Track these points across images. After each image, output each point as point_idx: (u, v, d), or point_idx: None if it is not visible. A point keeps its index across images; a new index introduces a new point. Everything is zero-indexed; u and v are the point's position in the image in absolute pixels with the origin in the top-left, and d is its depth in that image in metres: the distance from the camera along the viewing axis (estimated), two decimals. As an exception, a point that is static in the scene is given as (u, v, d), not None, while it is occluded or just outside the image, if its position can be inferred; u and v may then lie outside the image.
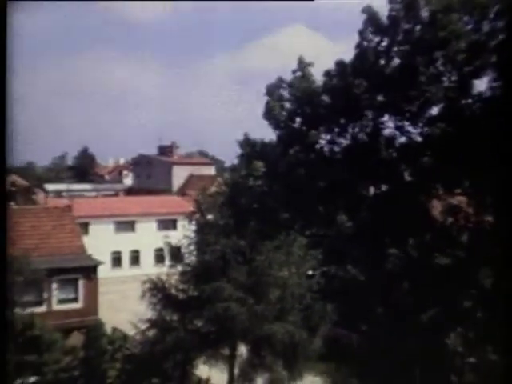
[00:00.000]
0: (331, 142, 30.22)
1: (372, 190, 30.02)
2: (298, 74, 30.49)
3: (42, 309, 28.59)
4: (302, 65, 30.42)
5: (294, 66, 30.65)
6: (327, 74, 29.53)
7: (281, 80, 30.76)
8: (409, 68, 26.45)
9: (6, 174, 3.83)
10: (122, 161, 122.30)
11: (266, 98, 30.59)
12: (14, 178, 69.82)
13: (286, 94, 30.79)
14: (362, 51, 28.26)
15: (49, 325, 25.94)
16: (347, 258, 26.94)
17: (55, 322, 27.25)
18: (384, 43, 27.99)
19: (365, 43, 28.22)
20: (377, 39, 28.03)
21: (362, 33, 28.16)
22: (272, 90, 30.58)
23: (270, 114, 30.12)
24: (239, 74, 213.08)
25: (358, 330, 28.94)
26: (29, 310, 25.45)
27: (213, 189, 31.37)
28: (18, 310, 24.88)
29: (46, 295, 29.53)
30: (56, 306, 30.53)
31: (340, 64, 28.90)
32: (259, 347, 21.78)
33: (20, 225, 32.60)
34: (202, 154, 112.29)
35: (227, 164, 74.71)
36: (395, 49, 27.83)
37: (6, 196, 3.85)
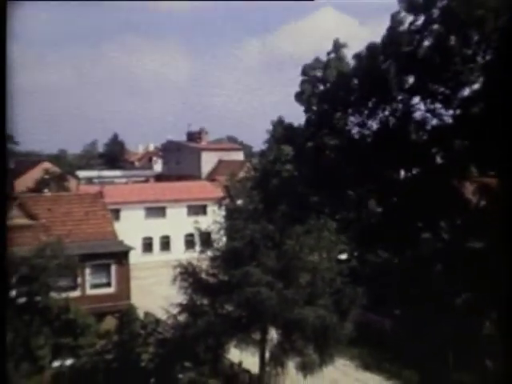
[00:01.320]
0: (361, 125, 29.90)
1: (402, 173, 29.67)
2: (333, 55, 30.15)
3: (77, 293, 29.06)
4: (337, 47, 30.07)
5: (324, 50, 30.39)
6: (357, 56, 29.16)
7: (316, 61, 30.45)
8: (442, 48, 25.89)
9: (6, 173, 3.81)
10: (151, 147, 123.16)
11: (295, 83, 30.42)
12: (47, 165, 70.97)
13: (319, 76, 30.49)
14: (394, 32, 27.77)
15: (83, 309, 26.43)
16: (378, 243, 26.74)
17: (89, 307, 27.72)
18: (417, 22, 27.43)
19: (397, 23, 27.71)
20: (410, 19, 27.46)
21: (395, 13, 27.65)
22: (306, 72, 30.31)
23: (301, 96, 29.90)
24: (270, 59, 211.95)
25: (390, 315, 28.76)
26: (64, 295, 25.96)
27: (242, 174, 31.40)
28: (53, 295, 25.41)
29: (79, 280, 30.00)
30: (89, 291, 31.02)
31: (371, 46, 28.50)
32: (290, 331, 21.82)
33: (54, 211, 33.18)
34: (231, 139, 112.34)
35: (256, 149, 74.69)
36: (429, 28, 27.25)
37: (6, 196, 3.85)
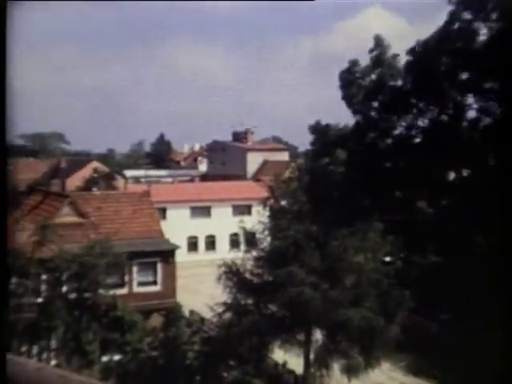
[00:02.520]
0: (409, 126, 29.39)
1: (452, 174, 29.04)
2: (375, 55, 29.71)
3: (124, 291, 29.56)
4: (380, 46, 29.61)
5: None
6: (408, 53, 28.60)
7: (358, 63, 30.12)
8: (498, 44, 25.09)
9: (7, 174, 3.86)
10: (197, 147, 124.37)
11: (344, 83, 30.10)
12: (96, 164, 72.63)
13: (364, 77, 30.12)
14: (447, 29, 27.12)
15: (130, 306, 26.90)
16: (427, 245, 26.26)
17: (136, 304, 28.17)
18: (472, 18, 26.66)
19: (452, 20, 27.04)
20: (466, 14, 26.70)
21: (451, 11, 27.00)
22: (350, 74, 30.00)
23: (348, 99, 29.62)
24: (318, 57, 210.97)
25: (438, 319, 28.22)
26: (112, 292, 26.48)
27: (287, 175, 31.34)
28: (102, 292, 25.97)
29: (127, 278, 30.51)
30: (136, 289, 31.53)
31: (421, 44, 27.95)
32: (335, 333, 21.71)
33: (103, 210, 33.89)
34: (276, 139, 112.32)
35: (301, 150, 74.43)
36: (484, 23, 26.47)
37: (6, 194, 3.91)
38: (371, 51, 29.76)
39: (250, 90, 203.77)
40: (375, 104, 30.06)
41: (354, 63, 30.25)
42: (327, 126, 30.90)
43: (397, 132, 29.59)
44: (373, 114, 29.81)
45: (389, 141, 28.79)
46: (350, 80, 29.85)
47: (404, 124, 29.54)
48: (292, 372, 24.73)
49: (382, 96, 29.47)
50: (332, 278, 21.88)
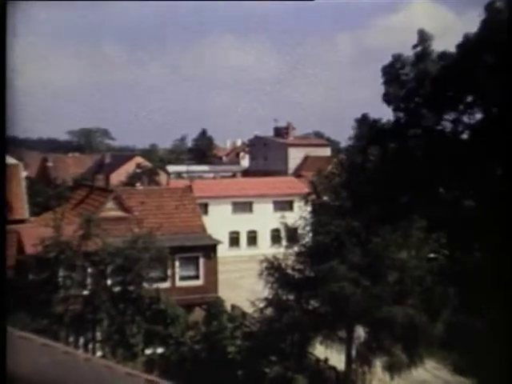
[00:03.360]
0: (455, 122, 28.72)
1: (500, 171, 28.29)
2: (419, 50, 29.13)
3: (167, 285, 29.89)
4: (424, 40, 29.00)
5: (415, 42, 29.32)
6: (458, 47, 27.89)
7: (401, 58, 29.60)
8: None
9: (5, 171, 3.89)
10: (239, 143, 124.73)
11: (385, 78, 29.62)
12: (139, 159, 73.72)
13: (406, 72, 29.58)
14: (491, 22, 26.39)
15: (173, 300, 27.24)
16: (473, 242, 25.71)
17: (178, 298, 28.47)
18: None
19: (495, 14, 26.32)
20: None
21: (491, 3, 26.28)
22: (391, 69, 29.53)
23: (389, 94, 29.16)
24: (359, 54, 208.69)
25: (484, 317, 27.60)
26: (155, 286, 26.87)
27: (328, 170, 31.16)
28: (145, 285, 26.40)
29: (169, 272, 30.86)
30: (179, 283, 31.84)
31: (467, 38, 27.27)
32: (377, 330, 21.51)
33: (146, 205, 34.36)
34: (318, 135, 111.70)
35: (343, 145, 73.83)
36: None
37: (4, 192, 3.95)
38: (416, 46, 29.20)
39: (291, 86, 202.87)
40: (418, 100, 29.52)
41: (397, 58, 29.76)
42: (374, 120, 30.47)
43: (440, 128, 28.99)
44: (415, 109, 29.28)
45: (432, 137, 28.22)
46: (392, 75, 29.37)
47: (448, 120, 28.91)
48: (333, 368, 24.62)
49: (425, 91, 28.91)
50: (374, 274, 21.69)
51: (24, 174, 53.96)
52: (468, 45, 27.31)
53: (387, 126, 30.10)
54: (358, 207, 22.90)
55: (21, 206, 46.25)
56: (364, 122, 30.51)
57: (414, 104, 29.59)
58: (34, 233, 27.26)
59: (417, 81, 29.29)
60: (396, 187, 26.86)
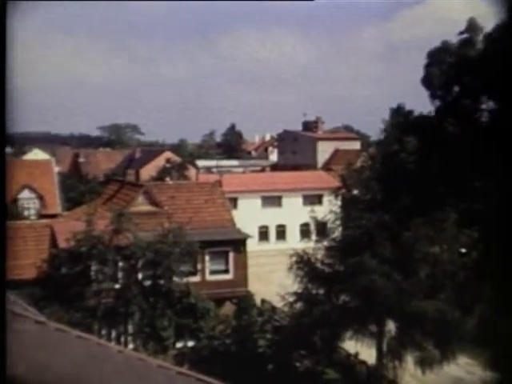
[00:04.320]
0: (494, 112, 28.02)
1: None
2: (464, 37, 28.40)
3: (197, 279, 30.08)
4: (470, 29, 28.24)
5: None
6: (490, 36, 27.20)
7: (444, 45, 28.89)
8: None
9: (5, 172, 3.89)
10: (267, 137, 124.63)
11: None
12: (169, 154, 74.23)
13: (447, 60, 28.87)
14: None
15: (203, 294, 27.40)
16: (508, 239, 25.14)
17: (208, 292, 28.61)
18: None
19: None
20: None
21: None
22: (433, 56, 28.85)
23: (428, 82, 28.50)
24: (387, 46, 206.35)
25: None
26: (185, 280, 27.06)
27: (358, 164, 30.90)
28: (175, 279, 26.61)
29: (199, 266, 31.02)
30: (209, 277, 31.99)
31: (501, 27, 26.56)
32: (408, 324, 21.31)
33: (176, 199, 34.60)
34: (348, 128, 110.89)
35: (373, 138, 73.07)
36: None
37: (5, 194, 3.96)
38: (461, 33, 28.44)
39: (321, 80, 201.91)
40: (457, 88, 28.88)
41: (436, 49, 29.16)
42: (409, 111, 29.91)
43: (478, 117, 28.31)
44: (453, 98, 28.63)
45: (470, 127, 27.60)
46: (431, 63, 28.74)
47: (486, 109, 28.23)
48: (364, 363, 24.49)
49: (465, 80, 28.24)
50: (405, 268, 21.47)
51: (56, 169, 54.93)
52: (501, 34, 26.64)
53: (423, 116, 29.54)
54: (390, 200, 22.66)
55: (53, 201, 47.09)
56: (398, 112, 29.98)
57: (453, 92, 28.94)
58: (66, 227, 27.70)
59: (458, 68, 28.63)
60: (430, 179, 26.42)
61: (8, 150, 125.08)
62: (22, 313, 6.41)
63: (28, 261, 27.58)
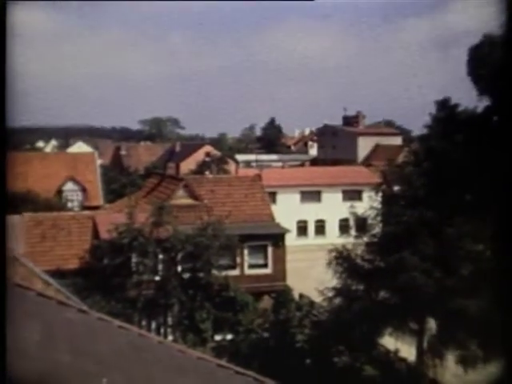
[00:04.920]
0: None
1: None
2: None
3: (235, 272, 30.22)
4: None
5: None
6: None
7: (490, 37, 28.08)
8: None
9: (6, 169, 3.86)
10: (307, 132, 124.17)
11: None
12: (208, 148, 74.71)
13: (495, 53, 28.00)
14: None
15: (241, 287, 27.50)
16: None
17: (247, 286, 28.72)
18: None
19: None
20: None
21: None
22: (480, 49, 28.06)
23: (475, 76, 27.75)
24: (431, 39, 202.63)
25: None
26: (224, 273, 27.21)
27: (400, 159, 30.42)
28: (214, 272, 26.78)
29: (238, 260, 31.15)
30: (247, 271, 32.09)
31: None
32: (450, 322, 20.93)
33: (215, 193, 34.79)
34: (389, 123, 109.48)
35: (415, 133, 71.88)
36: None
37: (5, 191, 3.94)
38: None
39: (362, 74, 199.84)
40: (505, 83, 28.02)
41: (484, 39, 28.31)
42: (455, 104, 29.19)
43: None
44: (502, 93, 27.79)
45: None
46: (479, 56, 27.96)
47: None
48: (404, 360, 24.17)
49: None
50: (447, 266, 21.08)
51: (99, 162, 55.95)
52: None
53: (469, 110, 28.77)
54: (433, 197, 22.24)
55: (96, 193, 48.00)
56: (444, 106, 29.28)
57: (501, 87, 28.06)
58: (108, 219, 28.17)
59: (506, 61, 27.77)
60: (476, 175, 25.79)
61: (53, 143, 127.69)
62: (66, 301, 6.54)
63: (71, 251, 28.19)
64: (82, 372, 4.21)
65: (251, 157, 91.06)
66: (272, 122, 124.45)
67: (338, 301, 23.35)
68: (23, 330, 4.37)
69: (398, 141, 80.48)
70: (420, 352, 21.79)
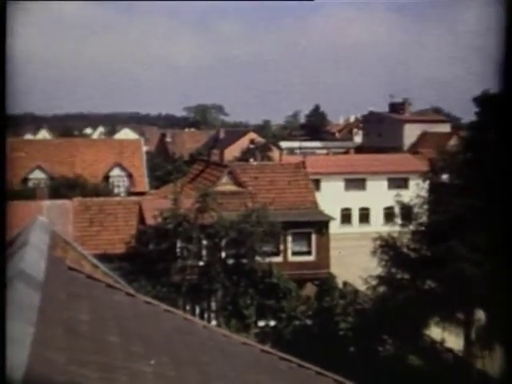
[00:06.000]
0: None
1: None
2: None
3: (279, 259, 30.24)
4: None
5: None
6: None
7: None
8: None
9: (5, 164, 3.83)
10: (352, 118, 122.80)
11: None
12: (252, 135, 74.72)
13: None
14: None
15: (285, 274, 27.50)
16: None
17: (290, 273, 28.70)
18: None
19: None
20: None
21: None
22: None
23: None
24: (481, 25, 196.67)
25: None
26: (267, 260, 27.24)
27: (449, 147, 29.73)
28: (258, 259, 26.85)
29: (281, 247, 31.15)
30: (291, 258, 32.07)
31: None
32: (499, 314, 20.42)
33: (259, 180, 34.81)
34: (437, 110, 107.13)
35: (465, 121, 70.10)
36: None
37: (5, 187, 3.90)
38: None
39: (410, 61, 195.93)
40: None
41: None
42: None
43: None
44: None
45: None
46: None
47: None
48: (451, 351, 23.76)
49: None
50: (498, 256, 20.53)
51: (144, 148, 56.68)
52: None
53: None
54: (484, 186, 21.66)
55: (142, 179, 48.67)
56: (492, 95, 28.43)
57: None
58: (154, 205, 28.54)
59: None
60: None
61: (100, 129, 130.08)
62: (114, 284, 6.62)
63: (118, 236, 28.70)
64: (130, 352, 4.24)
65: (295, 144, 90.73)
66: (316, 108, 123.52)
67: (382, 289, 23.11)
68: (73, 310, 4.43)
69: (446, 128, 78.68)
70: (468, 343, 21.37)
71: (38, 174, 44.01)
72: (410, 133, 78.76)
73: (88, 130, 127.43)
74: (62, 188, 37.11)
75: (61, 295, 4.51)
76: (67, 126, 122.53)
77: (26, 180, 43.49)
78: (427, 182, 24.91)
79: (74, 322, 4.11)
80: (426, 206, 23.89)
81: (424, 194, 24.09)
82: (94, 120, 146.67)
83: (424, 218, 23.80)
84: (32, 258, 4.56)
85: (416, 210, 23.98)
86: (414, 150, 70.49)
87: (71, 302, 4.58)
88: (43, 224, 6.65)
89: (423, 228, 23.30)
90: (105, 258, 18.73)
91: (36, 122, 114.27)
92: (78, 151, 48.34)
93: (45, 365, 3.08)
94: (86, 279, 5.58)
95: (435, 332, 23.20)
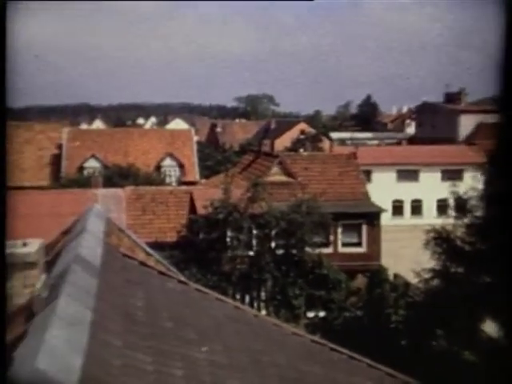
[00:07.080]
0: None
1: None
2: None
3: (329, 250, 30.09)
4: None
5: None
6: None
7: None
8: None
9: (5, 161, 3.76)
10: (405, 109, 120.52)
11: None
12: (303, 125, 74.41)
13: None
14: None
15: (335, 265, 27.34)
16: None
17: (340, 264, 28.51)
18: None
19: None
20: None
21: None
22: None
23: None
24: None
25: None
26: (317, 251, 27.13)
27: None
28: (308, 250, 26.77)
29: (332, 238, 30.99)
30: (341, 249, 31.90)
31: None
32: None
33: (309, 170, 34.66)
34: (494, 100, 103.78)
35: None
36: None
37: (5, 184, 3.83)
38: None
39: (466, 49, 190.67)
40: None
41: None
42: None
43: None
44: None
45: None
46: None
47: None
48: (507, 348, 23.12)
49: None
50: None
51: (195, 138, 57.25)
52: None
53: None
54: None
55: (193, 169, 49.23)
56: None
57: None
58: (204, 194, 28.81)
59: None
60: None
61: (152, 119, 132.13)
62: (167, 272, 6.69)
63: (169, 225, 29.13)
64: (183, 339, 4.27)
65: (346, 135, 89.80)
66: (368, 98, 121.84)
67: (435, 283, 22.64)
68: (128, 296, 4.49)
69: (503, 118, 76.03)
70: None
71: (92, 163, 45.15)
72: (466, 123, 76.67)
73: (140, 120, 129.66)
74: (116, 177, 37.90)
75: (116, 281, 4.59)
76: (120, 116, 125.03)
77: (81, 168, 44.68)
78: (484, 174, 24.22)
79: (129, 308, 4.17)
80: (481, 199, 23.24)
81: (480, 186, 23.43)
82: (146, 110, 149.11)
83: (479, 211, 23.16)
84: (89, 244, 4.65)
85: (471, 202, 23.36)
86: (469, 141, 68.65)
87: (126, 288, 4.65)
88: (99, 212, 6.79)
89: (479, 221, 22.67)
90: (156, 246, 19.03)
91: (91, 111, 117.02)
92: (131, 141, 49.28)
93: (103, 348, 3.13)
94: (140, 266, 5.66)
95: (491, 328, 22.59)
